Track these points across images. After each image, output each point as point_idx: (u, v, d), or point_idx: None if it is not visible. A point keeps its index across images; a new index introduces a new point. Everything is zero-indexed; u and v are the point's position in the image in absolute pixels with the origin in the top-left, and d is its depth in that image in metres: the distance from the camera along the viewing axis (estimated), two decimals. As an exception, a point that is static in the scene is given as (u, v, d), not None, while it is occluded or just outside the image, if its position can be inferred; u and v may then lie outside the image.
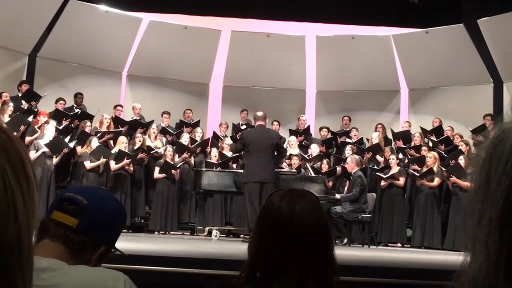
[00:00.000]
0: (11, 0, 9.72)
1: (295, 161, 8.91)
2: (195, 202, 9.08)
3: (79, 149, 8.69)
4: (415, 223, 8.58)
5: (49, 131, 8.29)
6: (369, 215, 8.06)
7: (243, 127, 10.21)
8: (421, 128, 9.81)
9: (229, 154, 9.30)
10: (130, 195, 8.90)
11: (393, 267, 4.64)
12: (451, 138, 9.39)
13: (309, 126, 10.59)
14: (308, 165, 9.08)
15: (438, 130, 9.74)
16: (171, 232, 9.03)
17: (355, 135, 10.15)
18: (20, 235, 0.60)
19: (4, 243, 0.58)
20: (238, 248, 5.38)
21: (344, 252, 5.70)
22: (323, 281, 1.36)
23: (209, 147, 9.64)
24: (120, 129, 9.52)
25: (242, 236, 8.20)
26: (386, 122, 10.67)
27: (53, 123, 8.46)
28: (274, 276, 1.35)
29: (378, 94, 11.39)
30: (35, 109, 9.12)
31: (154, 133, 9.51)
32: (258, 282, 1.38)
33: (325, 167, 9.13)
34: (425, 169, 8.51)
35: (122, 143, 8.87)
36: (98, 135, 8.99)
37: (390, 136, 10.18)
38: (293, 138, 9.82)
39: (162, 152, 9.12)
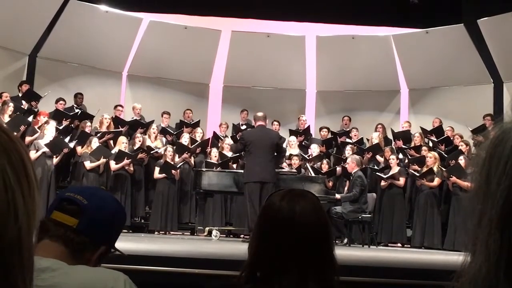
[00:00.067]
0: (11, 0, 9.73)
1: (295, 161, 8.91)
2: (195, 202, 9.07)
3: (79, 149, 8.69)
4: (415, 223, 8.58)
5: (49, 131, 8.29)
6: (369, 215, 8.06)
7: (243, 127, 10.21)
8: (421, 128, 9.81)
9: (229, 154, 9.30)
10: (130, 195, 8.90)
11: (393, 267, 4.64)
12: (451, 138, 9.39)
13: (309, 126, 10.59)
14: (308, 165, 9.08)
15: (438, 130, 9.75)
16: (171, 232, 9.03)
17: (355, 135, 10.15)
18: (21, 235, 0.60)
19: (5, 243, 0.58)
20: (238, 248, 5.38)
21: (344, 252, 5.70)
22: (323, 281, 1.36)
23: (209, 147, 9.64)
24: (120, 129, 9.52)
25: (242, 236, 8.21)
26: (386, 122, 10.67)
27: (53, 123, 8.46)
28: (274, 276, 1.35)
29: (378, 94, 11.39)
30: (35, 109, 9.12)
31: (154, 133, 9.51)
32: (258, 282, 1.38)
33: (325, 167, 9.13)
34: (425, 169, 8.51)
35: (122, 143, 8.87)
36: (98, 135, 8.99)
37: (390, 136, 10.18)
38: (293, 138, 9.82)
39: (162, 152, 9.12)
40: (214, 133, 10.30)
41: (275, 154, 7.34)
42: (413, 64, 11.14)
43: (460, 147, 8.77)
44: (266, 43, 11.38)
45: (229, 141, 9.73)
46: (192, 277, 3.85)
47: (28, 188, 0.61)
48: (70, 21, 10.44)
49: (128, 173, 8.89)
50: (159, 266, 3.91)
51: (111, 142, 9.21)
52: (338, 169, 9.14)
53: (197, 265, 4.00)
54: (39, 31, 10.38)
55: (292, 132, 10.17)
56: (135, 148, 9.04)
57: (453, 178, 8.18)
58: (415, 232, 8.56)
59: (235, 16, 11.54)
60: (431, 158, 8.54)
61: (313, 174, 8.71)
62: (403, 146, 9.64)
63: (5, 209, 0.58)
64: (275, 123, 10.28)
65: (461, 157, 8.29)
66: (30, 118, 8.72)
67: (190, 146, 9.28)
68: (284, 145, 8.76)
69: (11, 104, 8.37)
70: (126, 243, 4.38)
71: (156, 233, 8.90)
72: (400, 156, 9.32)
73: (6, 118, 8.11)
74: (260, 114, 7.50)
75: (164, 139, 9.84)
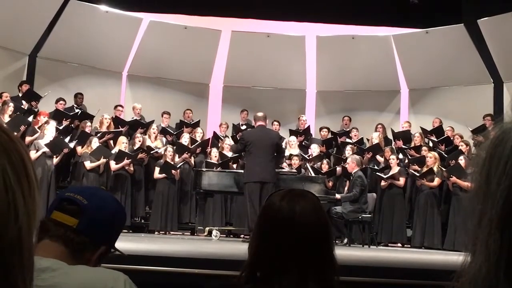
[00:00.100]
0: (11, 0, 9.73)
1: (295, 161, 8.91)
2: (195, 202, 9.07)
3: (79, 149, 8.69)
4: (415, 223, 8.58)
5: (50, 131, 8.29)
6: (369, 215, 8.06)
7: (243, 127, 10.21)
8: (421, 128, 9.81)
9: (229, 154, 9.30)
10: (130, 195, 8.90)
11: (393, 267, 4.64)
12: (451, 138, 9.39)
13: (309, 126, 10.59)
14: (308, 165, 9.09)
15: (438, 130, 9.75)
16: (171, 232, 9.03)
17: (355, 135, 10.15)
18: (21, 235, 0.60)
19: (5, 243, 0.58)
20: (238, 248, 5.38)
21: (344, 252, 5.70)
22: (323, 281, 1.36)
23: (209, 147, 9.64)
24: (120, 129, 9.52)
25: (242, 236, 8.21)
26: (386, 122, 10.67)
27: (53, 123, 8.46)
28: (274, 276, 1.35)
29: (378, 94, 11.39)
30: (36, 109, 9.12)
31: (154, 133, 9.51)
32: (258, 282, 1.38)
33: (325, 167, 9.13)
34: (425, 169, 8.51)
35: (122, 143, 8.87)
36: (98, 135, 8.99)
37: (390, 136, 10.18)
38: (293, 138, 9.81)
39: (162, 152, 9.12)
40: (214, 133, 10.31)
41: (275, 154, 7.34)
42: (413, 64, 11.14)
43: (460, 147, 8.77)
44: (266, 43, 11.38)
45: (229, 141, 9.73)
46: (192, 277, 3.85)
47: (28, 188, 0.61)
48: (70, 21, 10.45)
49: (128, 173, 8.89)
50: (159, 266, 3.91)
51: (111, 142, 9.22)
52: (338, 169, 9.14)
53: (197, 265, 4.00)
54: (39, 31, 10.38)
55: (292, 132, 10.17)
56: (135, 148, 9.04)
57: (453, 178, 8.18)
58: (415, 232, 8.56)
59: (235, 16, 11.54)
60: (431, 158, 8.54)
61: (313, 174, 8.72)
62: (403, 146, 9.64)
63: (6, 209, 0.58)
64: (275, 123, 10.27)
65: (461, 157, 8.29)
66: (30, 118, 8.73)
67: (190, 146, 9.28)
68: (282, 145, 8.76)
69: (11, 104, 8.37)
70: (126, 243, 4.38)
71: (156, 233, 8.90)
72: (400, 156, 9.32)
73: (6, 118, 8.11)
74: (260, 114, 7.51)
75: (164, 139, 9.84)
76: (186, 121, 10.48)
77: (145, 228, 9.16)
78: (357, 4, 11.29)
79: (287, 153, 9.14)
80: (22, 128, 8.20)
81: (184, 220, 9.29)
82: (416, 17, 11.34)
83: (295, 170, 8.60)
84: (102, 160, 8.60)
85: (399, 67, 11.41)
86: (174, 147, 9.27)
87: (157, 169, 8.99)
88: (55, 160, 8.30)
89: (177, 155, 9.14)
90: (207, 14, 11.51)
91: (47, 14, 10.26)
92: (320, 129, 10.58)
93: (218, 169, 8.67)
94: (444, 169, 8.41)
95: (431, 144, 9.60)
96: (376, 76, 11.21)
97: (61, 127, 8.79)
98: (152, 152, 9.17)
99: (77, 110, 9.63)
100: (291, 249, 1.35)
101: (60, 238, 1.35)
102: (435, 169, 8.44)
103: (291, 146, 9.59)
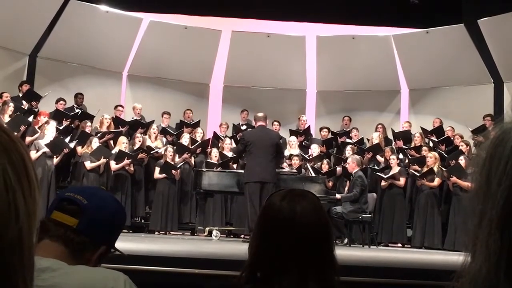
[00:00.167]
0: (11, 0, 9.73)
1: (296, 161, 8.91)
2: (195, 202, 9.07)
3: (79, 149, 8.69)
4: (416, 223, 8.58)
5: (50, 131, 8.29)
6: (370, 215, 8.06)
7: (244, 127, 10.21)
8: (422, 128, 9.81)
9: (229, 154, 9.30)
10: (130, 195, 8.90)
11: (393, 267, 4.64)
12: (452, 138, 9.39)
13: (309, 126, 10.59)
14: (308, 165, 9.08)
15: (438, 130, 9.75)
16: (172, 232, 9.03)
17: (355, 135, 10.15)
18: (21, 235, 0.60)
19: (5, 243, 0.58)
20: (239, 248, 5.38)
21: (344, 252, 5.70)
22: (323, 281, 1.36)
23: (209, 147, 9.64)
24: (121, 129, 9.52)
25: (242, 236, 8.21)
26: (386, 122, 10.67)
27: (53, 123, 8.47)
28: (275, 276, 1.35)
29: (379, 94, 11.39)
30: (36, 109, 9.13)
31: (154, 133, 9.51)
32: (258, 282, 1.38)
33: (325, 167, 9.13)
34: (425, 169, 8.51)
35: (122, 143, 8.87)
36: (99, 135, 8.99)
37: (390, 136, 10.18)
38: (293, 138, 9.81)
39: (163, 152, 9.13)
40: (214, 133, 10.31)
41: (276, 154, 7.34)
42: (413, 64, 11.14)
43: (460, 147, 8.77)
44: (266, 43, 11.38)
45: (229, 141, 9.73)
46: (192, 277, 3.85)
47: (29, 188, 0.61)
48: (70, 21, 10.45)
49: (128, 173, 8.89)
50: (159, 266, 3.91)
51: (111, 142, 9.22)
52: (338, 169, 9.14)
53: (197, 265, 4.00)
54: (39, 31, 10.38)
55: (292, 132, 10.17)
56: (135, 148, 9.04)
57: (454, 178, 8.18)
58: (416, 232, 8.56)
59: (235, 16, 11.54)
60: (432, 158, 8.54)
61: (313, 174, 8.71)
62: (404, 146, 9.64)
63: (6, 209, 0.58)
64: (275, 123, 10.27)
65: (462, 157, 8.29)
66: (31, 118, 8.73)
67: (190, 146, 9.28)
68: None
69: (12, 104, 8.38)
70: (126, 243, 4.38)
71: (156, 233, 8.90)
72: (401, 156, 9.32)
73: (7, 118, 8.11)
74: (260, 114, 7.51)
75: (164, 139, 9.84)
76: (186, 121, 10.48)
77: (145, 228, 9.16)
78: (357, 4, 11.29)
79: (287, 153, 9.14)
80: (22, 128, 8.20)
81: (184, 220, 9.29)
82: (416, 17, 11.34)
83: (295, 170, 8.60)
84: (102, 160, 8.60)
85: (399, 67, 11.41)
86: (174, 147, 9.27)
87: (157, 169, 8.99)
88: (55, 160, 8.30)
89: (177, 155, 9.14)
90: (207, 14, 11.51)
91: (47, 14, 10.26)
92: (320, 129, 10.58)
93: (218, 169, 8.66)
94: (444, 169, 8.41)
95: (431, 144, 9.60)
96: (376, 76, 11.21)
97: (61, 127, 8.79)
98: (152, 152, 9.17)
99: (77, 110, 9.64)
100: (292, 249, 1.35)
101: (60, 238, 1.35)
102: (435, 169, 8.44)
103: (292, 146, 9.59)
